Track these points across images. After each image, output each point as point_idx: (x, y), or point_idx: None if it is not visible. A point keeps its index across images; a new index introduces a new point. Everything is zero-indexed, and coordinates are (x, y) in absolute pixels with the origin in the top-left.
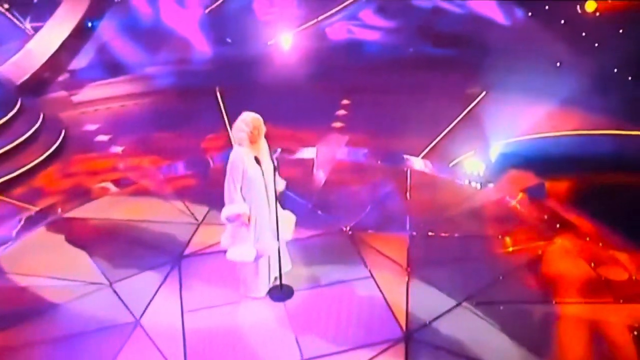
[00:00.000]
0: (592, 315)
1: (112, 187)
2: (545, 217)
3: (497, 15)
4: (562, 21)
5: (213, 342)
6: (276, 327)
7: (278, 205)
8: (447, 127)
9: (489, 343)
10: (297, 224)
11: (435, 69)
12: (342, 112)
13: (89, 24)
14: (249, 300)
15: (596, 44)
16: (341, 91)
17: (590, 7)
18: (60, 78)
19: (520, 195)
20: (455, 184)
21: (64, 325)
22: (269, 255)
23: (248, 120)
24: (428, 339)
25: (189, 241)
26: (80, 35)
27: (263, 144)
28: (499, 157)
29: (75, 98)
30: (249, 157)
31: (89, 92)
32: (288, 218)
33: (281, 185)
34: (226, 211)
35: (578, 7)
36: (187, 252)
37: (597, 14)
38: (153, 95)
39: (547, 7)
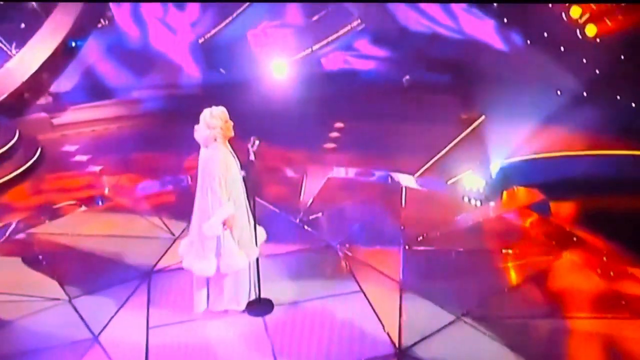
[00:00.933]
0: (608, 331)
1: (84, 204)
2: (551, 232)
3: (496, 41)
4: (562, 48)
5: (179, 358)
6: (252, 343)
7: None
8: (444, 148)
9: None
10: (281, 239)
11: (432, 94)
12: (335, 134)
13: (73, 44)
14: (223, 315)
15: (597, 71)
16: (335, 116)
17: (590, 31)
18: (43, 101)
19: (523, 211)
20: (453, 200)
21: (16, 342)
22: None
23: (217, 114)
24: (423, 356)
25: (162, 256)
26: (62, 56)
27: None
28: (499, 174)
29: (57, 120)
30: (228, 154)
31: (72, 114)
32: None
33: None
34: (217, 218)
35: (578, 31)
36: (159, 267)
37: (598, 40)
38: (139, 119)
39: (545, 35)
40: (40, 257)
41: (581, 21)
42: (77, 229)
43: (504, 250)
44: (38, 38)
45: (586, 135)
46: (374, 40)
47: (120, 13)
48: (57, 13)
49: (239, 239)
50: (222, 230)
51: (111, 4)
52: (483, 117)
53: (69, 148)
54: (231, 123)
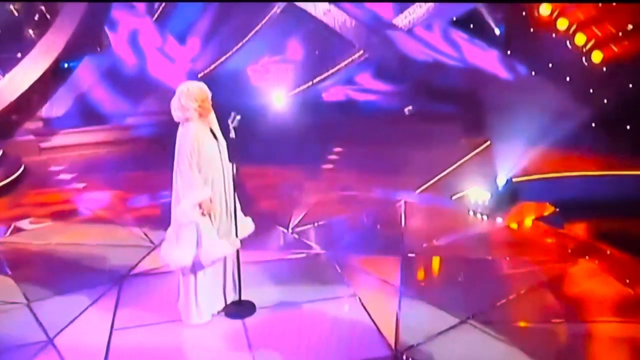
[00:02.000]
0: (627, 334)
1: (63, 216)
2: (565, 241)
3: (500, 71)
4: (568, 78)
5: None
6: (228, 345)
7: (235, 197)
8: (447, 169)
9: None
10: (272, 247)
11: (435, 122)
12: (333, 156)
13: (65, 65)
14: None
15: (605, 100)
16: (334, 141)
17: (596, 57)
18: (33, 126)
19: (534, 222)
20: (457, 213)
21: None
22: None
23: (193, 92)
24: (424, 358)
25: (139, 263)
26: (54, 77)
27: (213, 117)
28: (506, 189)
29: (45, 144)
30: (204, 132)
31: (61, 138)
32: (244, 219)
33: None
34: (189, 201)
35: (584, 58)
36: (133, 272)
37: (604, 68)
38: (130, 143)
39: (550, 65)
40: (5, 263)
41: (586, 48)
42: (51, 238)
43: (513, 258)
44: (29, 59)
45: (595, 157)
46: (376, 73)
47: (117, 40)
48: (50, 34)
49: (217, 227)
50: (200, 217)
51: (108, 31)
52: (488, 142)
53: (55, 168)
54: (209, 100)
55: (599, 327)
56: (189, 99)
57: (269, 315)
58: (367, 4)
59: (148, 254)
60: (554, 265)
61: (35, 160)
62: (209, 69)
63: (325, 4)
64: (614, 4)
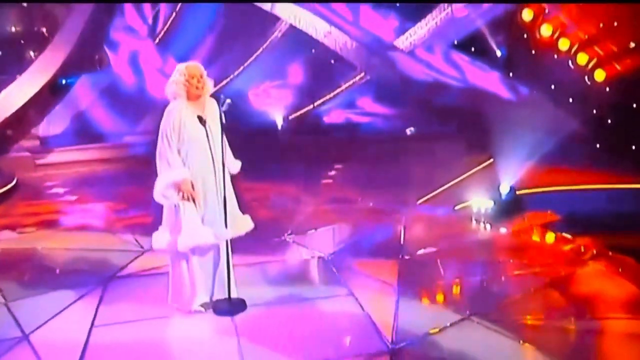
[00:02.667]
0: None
1: (52, 224)
2: (573, 246)
3: (502, 92)
4: (570, 99)
5: (121, 356)
6: (215, 340)
7: (228, 184)
8: (449, 183)
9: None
10: (266, 251)
11: (436, 142)
12: (332, 172)
13: (63, 82)
14: (182, 314)
15: (609, 120)
16: (334, 159)
17: (599, 76)
18: (30, 144)
19: (539, 229)
20: (459, 221)
21: None
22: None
23: (186, 67)
24: (424, 352)
25: (127, 265)
26: (51, 93)
27: (210, 103)
28: (509, 197)
29: (41, 160)
30: (189, 113)
31: (57, 155)
32: (241, 216)
33: (235, 165)
34: (162, 180)
35: (586, 78)
36: (121, 274)
37: (607, 88)
38: (127, 161)
39: (553, 86)
40: None
41: (589, 67)
42: (37, 243)
43: (518, 260)
44: (27, 75)
45: (599, 173)
46: (377, 96)
47: (117, 60)
48: (49, 51)
49: (203, 215)
50: (181, 200)
51: (109, 51)
52: (491, 160)
53: (49, 183)
54: (208, 82)
55: (608, 324)
56: (180, 72)
57: (260, 312)
58: (367, 26)
59: (137, 257)
60: (561, 267)
61: (30, 176)
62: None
63: (326, 26)
64: (615, 23)
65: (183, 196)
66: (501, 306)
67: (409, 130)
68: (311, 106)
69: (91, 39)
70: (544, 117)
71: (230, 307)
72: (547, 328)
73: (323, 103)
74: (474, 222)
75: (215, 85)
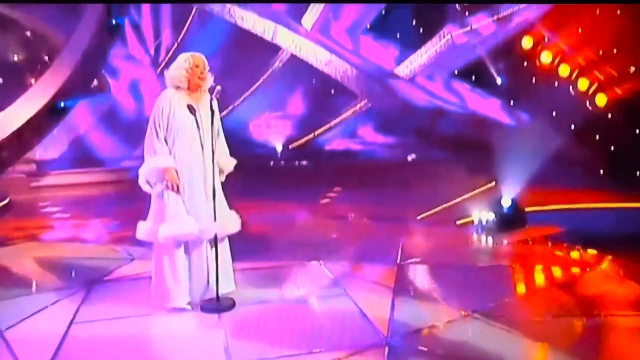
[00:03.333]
0: None
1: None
2: (579, 254)
3: (503, 118)
4: (573, 126)
5: (100, 351)
6: (199, 338)
7: (217, 179)
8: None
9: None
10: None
11: (437, 167)
12: (332, 194)
13: (62, 105)
14: (167, 312)
15: (612, 147)
16: (334, 183)
17: (601, 101)
18: (26, 168)
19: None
20: (460, 233)
21: None
22: (201, 245)
23: (187, 55)
24: (420, 346)
25: (114, 271)
26: (49, 116)
27: (206, 97)
28: (511, 210)
29: (36, 183)
30: (181, 102)
31: (53, 179)
32: (230, 214)
33: (231, 163)
34: (146, 167)
35: (588, 103)
36: (107, 278)
37: (610, 115)
38: (123, 184)
39: (554, 114)
40: None
41: (590, 93)
42: (24, 254)
43: (522, 265)
44: (26, 98)
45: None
46: (378, 126)
47: (117, 86)
48: (49, 74)
49: (190, 206)
50: (167, 190)
51: (109, 78)
52: (493, 183)
53: (42, 203)
54: (209, 77)
55: (613, 320)
56: (185, 59)
57: (249, 310)
58: (368, 55)
59: (125, 265)
60: (565, 271)
61: (23, 197)
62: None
63: (327, 55)
64: (615, 50)
65: (167, 185)
66: (502, 305)
67: (410, 158)
68: (312, 135)
69: (91, 64)
70: (546, 143)
71: (219, 306)
72: (549, 324)
73: (324, 132)
74: (475, 235)
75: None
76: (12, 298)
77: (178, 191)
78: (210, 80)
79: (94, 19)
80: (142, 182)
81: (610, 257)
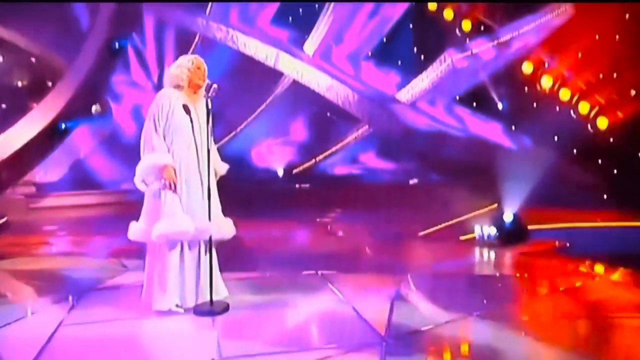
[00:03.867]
0: None
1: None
2: (582, 264)
3: (505, 142)
4: (575, 150)
5: (87, 351)
6: (191, 340)
7: (212, 179)
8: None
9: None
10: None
11: (439, 190)
12: (332, 214)
13: (63, 126)
14: (158, 315)
15: (615, 171)
16: (334, 204)
17: (602, 124)
18: (26, 190)
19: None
20: (462, 247)
21: None
22: (195, 246)
23: (190, 56)
24: (418, 345)
25: (107, 280)
26: (49, 138)
27: (201, 100)
28: (513, 224)
29: (34, 204)
30: (178, 100)
31: (52, 200)
32: (224, 219)
33: (223, 167)
34: (144, 164)
35: (589, 126)
36: (101, 286)
37: (611, 139)
38: (122, 206)
39: (556, 139)
40: None
41: (591, 116)
42: (19, 265)
43: (526, 275)
44: (27, 119)
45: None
46: (380, 151)
47: (119, 110)
48: (50, 97)
49: (187, 205)
50: (160, 187)
51: (112, 102)
52: (495, 205)
53: (40, 224)
54: (203, 72)
55: (620, 321)
56: (188, 60)
57: (243, 313)
58: (369, 80)
59: (119, 275)
60: (571, 279)
61: (21, 218)
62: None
63: (328, 80)
64: (615, 74)
65: (165, 183)
66: (505, 307)
67: (412, 181)
68: (313, 161)
69: (93, 88)
70: (548, 166)
71: (212, 309)
72: (551, 324)
73: (325, 158)
74: (477, 249)
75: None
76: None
77: (175, 189)
78: (206, 82)
79: (97, 44)
80: (138, 180)
81: (620, 269)
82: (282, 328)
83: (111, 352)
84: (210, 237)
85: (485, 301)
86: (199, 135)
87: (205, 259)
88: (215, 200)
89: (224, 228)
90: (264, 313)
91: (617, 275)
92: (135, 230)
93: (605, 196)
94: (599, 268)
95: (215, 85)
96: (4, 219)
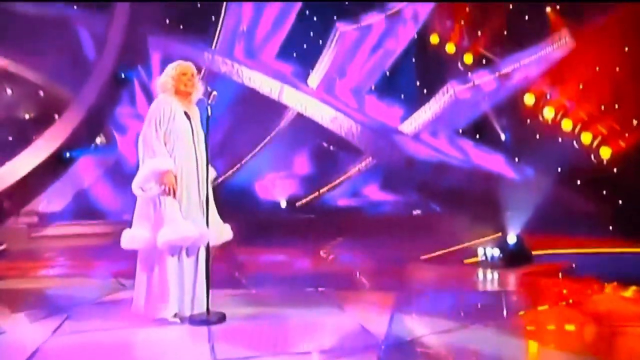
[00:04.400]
0: None
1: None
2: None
3: (508, 173)
4: (579, 181)
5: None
6: (186, 350)
7: (210, 185)
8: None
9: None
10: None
11: (442, 220)
12: (333, 242)
13: (67, 155)
14: (154, 324)
15: (619, 201)
16: (336, 233)
17: (605, 153)
18: (28, 219)
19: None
20: (464, 270)
21: None
22: (193, 254)
23: (174, 64)
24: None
25: (103, 296)
26: (53, 166)
27: (195, 107)
28: (516, 246)
29: (36, 234)
30: (178, 107)
31: (53, 229)
32: (222, 224)
33: (211, 174)
34: (145, 169)
35: (592, 155)
36: (96, 302)
37: (615, 170)
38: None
39: (559, 170)
40: None
41: (594, 146)
42: (16, 284)
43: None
44: (32, 148)
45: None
46: (383, 184)
47: (123, 141)
48: (56, 126)
49: (186, 212)
50: (163, 195)
51: (116, 133)
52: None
53: (41, 251)
54: (191, 78)
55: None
56: (172, 67)
57: (241, 323)
58: (372, 113)
59: (115, 292)
60: (577, 295)
61: (22, 247)
62: (215, 182)
63: (332, 112)
64: (616, 105)
65: (165, 189)
66: (510, 318)
67: (415, 212)
68: (317, 193)
69: (97, 118)
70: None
71: (208, 318)
72: (553, 333)
73: (329, 190)
74: (480, 270)
75: (221, 175)
76: None
77: (174, 195)
78: (200, 89)
79: (103, 76)
80: (136, 187)
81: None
82: (277, 334)
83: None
84: (208, 243)
85: (485, 313)
86: (198, 143)
87: (202, 266)
88: (212, 205)
89: (223, 233)
90: (260, 322)
91: (628, 292)
92: (133, 239)
93: (610, 227)
94: (606, 286)
95: (214, 92)
96: (3, 246)
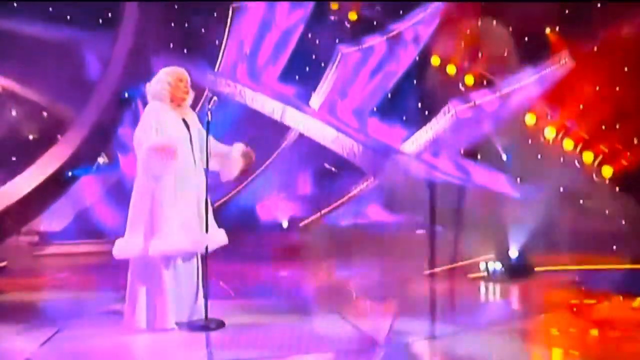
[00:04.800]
0: None
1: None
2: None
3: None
4: (581, 201)
5: None
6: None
7: (207, 192)
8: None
9: None
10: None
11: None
12: (335, 260)
13: (69, 174)
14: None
15: (623, 221)
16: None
17: (606, 173)
18: (28, 239)
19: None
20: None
21: None
22: (190, 261)
23: (168, 70)
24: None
25: (100, 307)
26: (55, 186)
27: (192, 114)
28: (518, 260)
29: (37, 252)
30: (172, 115)
31: (55, 248)
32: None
33: None
34: (151, 143)
35: (594, 174)
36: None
37: (617, 188)
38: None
39: (562, 189)
40: None
41: (595, 165)
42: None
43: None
44: (34, 167)
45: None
46: (385, 204)
47: (126, 161)
48: (58, 145)
49: (183, 220)
50: (157, 202)
51: (119, 154)
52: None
53: (41, 269)
54: (185, 84)
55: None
56: (166, 73)
57: (238, 329)
58: (374, 134)
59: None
60: (580, 305)
61: (22, 265)
62: (221, 200)
63: (334, 132)
64: (617, 124)
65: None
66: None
67: (418, 231)
68: (319, 214)
69: (100, 137)
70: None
71: (206, 324)
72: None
73: (331, 211)
74: (482, 284)
75: (221, 198)
76: None
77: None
78: (192, 95)
79: (106, 95)
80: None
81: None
82: (276, 337)
83: None
84: (207, 249)
85: (486, 317)
86: (196, 150)
87: (199, 272)
88: (209, 210)
89: (218, 238)
90: (259, 327)
91: (636, 303)
92: (125, 248)
93: (614, 247)
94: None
95: (215, 98)
96: (4, 263)
